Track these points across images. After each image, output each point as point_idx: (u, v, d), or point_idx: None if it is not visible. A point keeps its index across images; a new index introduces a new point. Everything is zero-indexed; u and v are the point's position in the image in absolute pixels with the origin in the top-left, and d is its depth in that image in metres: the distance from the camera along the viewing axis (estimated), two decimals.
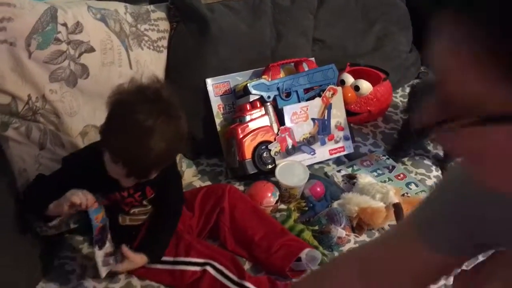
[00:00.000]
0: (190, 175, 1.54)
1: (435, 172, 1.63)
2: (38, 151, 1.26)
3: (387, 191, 1.39)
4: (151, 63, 1.51)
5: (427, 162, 1.67)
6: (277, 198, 1.41)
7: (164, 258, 1.21)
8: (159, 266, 1.19)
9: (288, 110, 1.52)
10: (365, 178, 1.49)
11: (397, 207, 1.36)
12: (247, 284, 1.15)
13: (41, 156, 1.26)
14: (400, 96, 1.96)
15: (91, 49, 1.35)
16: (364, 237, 1.38)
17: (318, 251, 1.26)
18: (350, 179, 1.54)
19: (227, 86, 1.58)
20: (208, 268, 1.17)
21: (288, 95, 1.55)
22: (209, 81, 1.55)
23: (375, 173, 1.59)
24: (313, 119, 1.56)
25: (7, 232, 1.12)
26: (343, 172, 1.58)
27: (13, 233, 1.15)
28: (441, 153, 1.69)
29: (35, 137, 1.25)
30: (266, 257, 1.25)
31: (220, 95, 1.57)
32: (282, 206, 1.46)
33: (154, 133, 0.97)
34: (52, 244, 1.26)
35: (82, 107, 1.34)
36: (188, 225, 1.32)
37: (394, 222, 1.41)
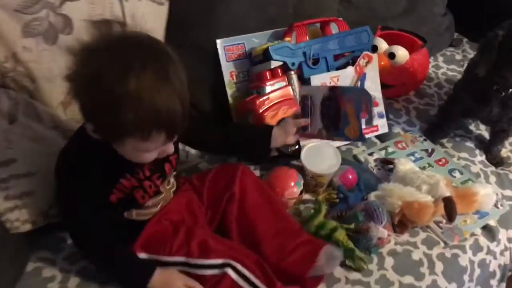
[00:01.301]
0: (195, 156, 1.28)
1: (480, 157, 1.40)
2: (7, 125, 0.99)
3: (436, 182, 1.16)
4: (149, 18, 1.23)
5: (469, 144, 1.44)
6: (302, 188, 1.17)
7: (172, 259, 0.97)
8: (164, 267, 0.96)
9: (316, 81, 1.26)
10: (405, 164, 1.25)
11: (448, 202, 1.13)
12: None
13: (11, 131, 0.99)
14: (433, 67, 1.71)
15: None
16: (406, 237, 1.16)
17: (338, 249, 1.04)
18: (386, 164, 1.30)
19: (242, 49, 1.31)
20: (229, 271, 0.94)
21: (316, 62, 1.28)
22: (219, 43, 1.29)
23: (412, 157, 1.35)
24: None
25: None
26: (375, 156, 1.34)
27: None
28: (486, 133, 1.46)
29: (4, 108, 1.00)
30: (278, 260, 1.01)
31: (233, 60, 1.30)
32: (307, 197, 1.22)
33: (170, 75, 0.77)
34: (26, 243, 1.00)
35: (63, 70, 1.05)
36: (197, 216, 1.07)
37: (441, 219, 1.18)
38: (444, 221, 1.19)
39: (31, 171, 1.00)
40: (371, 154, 1.35)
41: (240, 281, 0.94)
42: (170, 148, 0.87)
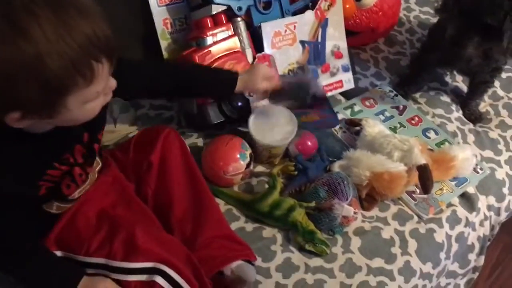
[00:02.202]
0: (126, 124, 1.07)
1: (456, 113, 1.24)
2: None
3: (409, 147, 0.99)
4: None
5: (445, 98, 1.27)
6: (248, 159, 0.97)
7: (89, 259, 0.79)
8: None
9: (268, 29, 1.05)
10: (374, 126, 1.07)
11: (423, 171, 0.97)
12: None
13: None
14: (404, 9, 1.50)
15: None
16: (375, 212, 1.00)
17: (253, 267, 0.86)
18: (352, 126, 1.12)
19: None
20: (158, 279, 0.76)
21: (268, 6, 1.06)
22: None
23: (381, 117, 1.18)
24: (302, 42, 1.10)
25: None
26: (340, 116, 1.16)
27: None
28: (463, 85, 1.29)
29: None
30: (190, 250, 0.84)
31: (167, 4, 1.06)
32: (261, 169, 1.03)
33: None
34: None
35: None
36: (127, 199, 0.88)
37: (414, 189, 1.03)
38: (418, 191, 1.03)
39: None
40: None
41: None
42: (113, 81, 0.67)
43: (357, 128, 1.11)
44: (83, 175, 0.81)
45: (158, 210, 0.89)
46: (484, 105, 1.29)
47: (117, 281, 0.77)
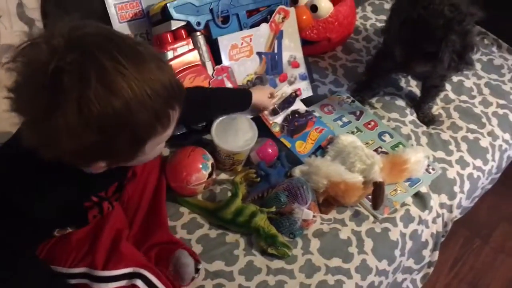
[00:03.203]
0: None
1: (410, 116, 1.31)
2: None
3: (372, 163, 1.05)
4: None
5: (400, 103, 1.34)
6: (210, 169, 1.01)
7: (71, 270, 0.83)
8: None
9: (226, 42, 1.09)
10: (348, 136, 1.13)
11: (378, 188, 1.03)
12: None
13: None
14: (360, 18, 1.57)
15: None
16: (333, 214, 1.05)
17: (188, 256, 0.90)
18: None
19: (138, 7, 1.11)
20: (138, 282, 0.82)
21: (226, 20, 1.11)
22: (110, 1, 1.07)
23: (339, 122, 1.24)
24: (259, 54, 1.14)
25: None
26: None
27: None
28: (417, 90, 1.36)
29: None
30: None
31: (128, 21, 1.10)
32: (224, 176, 1.07)
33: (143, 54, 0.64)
34: None
35: None
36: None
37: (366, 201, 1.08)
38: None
39: None
40: None
41: None
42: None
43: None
44: (110, 208, 0.87)
45: (126, 211, 0.95)
46: (436, 108, 1.35)
47: None
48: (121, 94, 0.59)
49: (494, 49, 1.56)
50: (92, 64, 0.58)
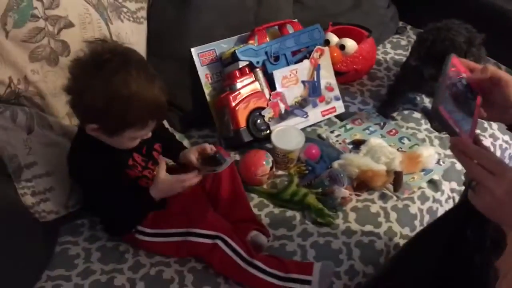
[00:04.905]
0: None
1: (425, 125, 1.64)
2: (26, 135, 1.20)
3: (393, 158, 1.39)
4: (132, 36, 1.44)
5: (416, 115, 1.68)
6: (271, 164, 1.38)
7: (175, 230, 1.18)
8: (170, 238, 1.17)
9: (278, 75, 1.49)
10: (376, 140, 1.48)
11: (398, 176, 1.37)
12: (257, 262, 1.13)
13: (30, 140, 1.20)
14: (382, 53, 1.95)
15: (70, 24, 1.28)
16: (365, 195, 1.39)
17: (264, 237, 1.23)
18: (358, 145, 1.51)
19: (213, 55, 1.53)
20: (219, 243, 1.14)
21: (277, 59, 1.52)
22: (194, 51, 1.50)
23: (367, 131, 1.59)
24: (303, 82, 1.53)
25: (3, 220, 1.07)
26: (336, 133, 1.58)
27: (10, 221, 1.09)
28: (428, 105, 1.71)
29: (22, 121, 1.19)
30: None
31: (207, 64, 1.52)
32: (281, 173, 1.45)
33: (153, 76, 1.04)
34: (52, 230, 1.21)
35: None
36: (200, 199, 1.29)
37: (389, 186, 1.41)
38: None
39: (49, 171, 1.21)
40: (332, 131, 1.58)
41: (229, 252, 1.13)
42: (150, 133, 1.11)
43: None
44: (151, 172, 1.21)
45: (209, 198, 1.30)
46: None
47: (192, 244, 1.15)
48: (130, 86, 0.97)
49: None
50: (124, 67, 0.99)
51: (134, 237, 1.19)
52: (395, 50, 1.97)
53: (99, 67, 0.99)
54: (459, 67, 0.85)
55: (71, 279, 1.13)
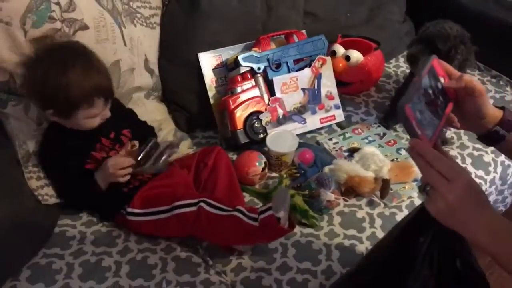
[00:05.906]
0: (185, 148, 1.59)
1: None
2: (36, 126, 1.32)
3: (382, 165, 1.42)
4: (144, 40, 1.56)
5: None
6: (263, 165, 1.44)
7: (163, 208, 1.25)
8: (159, 216, 1.25)
9: (278, 81, 1.56)
10: (370, 147, 1.51)
11: (385, 183, 1.41)
12: (240, 207, 1.21)
13: (39, 131, 1.32)
14: (393, 66, 1.98)
15: (85, 27, 1.39)
16: (353, 201, 1.43)
17: None
18: (353, 152, 1.54)
19: (220, 60, 1.62)
20: (202, 205, 1.21)
21: (278, 66, 1.58)
22: (201, 56, 1.60)
23: (366, 140, 1.63)
24: (303, 89, 1.59)
25: (9, 199, 1.20)
26: (334, 140, 1.62)
27: (15, 201, 1.22)
28: None
29: (33, 114, 1.31)
30: None
31: (213, 68, 1.61)
32: (274, 175, 1.51)
33: (94, 63, 1.23)
34: (52, 212, 1.33)
35: None
36: (185, 182, 1.38)
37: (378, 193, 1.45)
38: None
39: None
40: (330, 139, 1.63)
41: (213, 210, 1.20)
42: (108, 112, 1.25)
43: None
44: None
45: (205, 192, 1.37)
46: (449, 133, 1.69)
47: (179, 216, 1.21)
48: (69, 76, 1.15)
49: (508, 88, 1.88)
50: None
51: (126, 218, 1.28)
52: (407, 64, 1.98)
53: (41, 60, 1.18)
54: (438, 70, 0.87)
55: (63, 258, 1.23)
